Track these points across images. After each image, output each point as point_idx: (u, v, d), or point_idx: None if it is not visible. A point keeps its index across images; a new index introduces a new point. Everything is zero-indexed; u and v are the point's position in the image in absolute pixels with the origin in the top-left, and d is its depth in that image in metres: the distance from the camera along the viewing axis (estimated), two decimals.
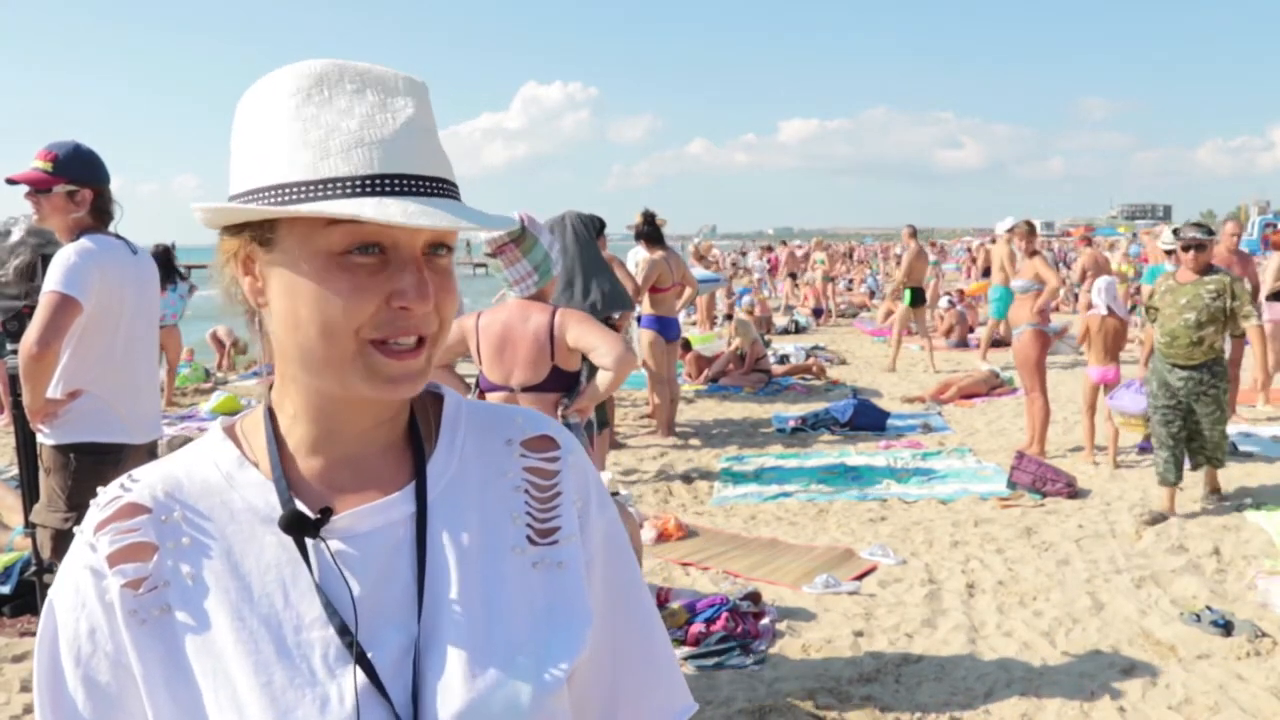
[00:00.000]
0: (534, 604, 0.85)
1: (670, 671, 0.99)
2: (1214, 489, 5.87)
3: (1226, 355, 5.83)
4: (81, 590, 0.80)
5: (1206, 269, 5.58)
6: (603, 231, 7.39)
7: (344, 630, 0.78)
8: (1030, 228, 7.94)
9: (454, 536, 0.84)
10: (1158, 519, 5.49)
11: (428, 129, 0.80)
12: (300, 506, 0.81)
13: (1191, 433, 5.60)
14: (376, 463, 0.86)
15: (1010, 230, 10.60)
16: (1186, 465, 5.66)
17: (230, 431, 0.87)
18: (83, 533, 0.82)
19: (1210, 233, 5.65)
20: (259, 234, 0.80)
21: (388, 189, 0.75)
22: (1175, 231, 5.79)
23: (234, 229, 0.81)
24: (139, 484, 0.83)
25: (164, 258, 9.98)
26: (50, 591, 0.83)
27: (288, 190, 0.76)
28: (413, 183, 0.77)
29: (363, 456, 0.86)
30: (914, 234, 12.76)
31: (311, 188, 0.75)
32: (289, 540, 0.81)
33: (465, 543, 0.85)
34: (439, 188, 0.78)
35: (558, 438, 0.93)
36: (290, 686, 0.77)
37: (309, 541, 0.81)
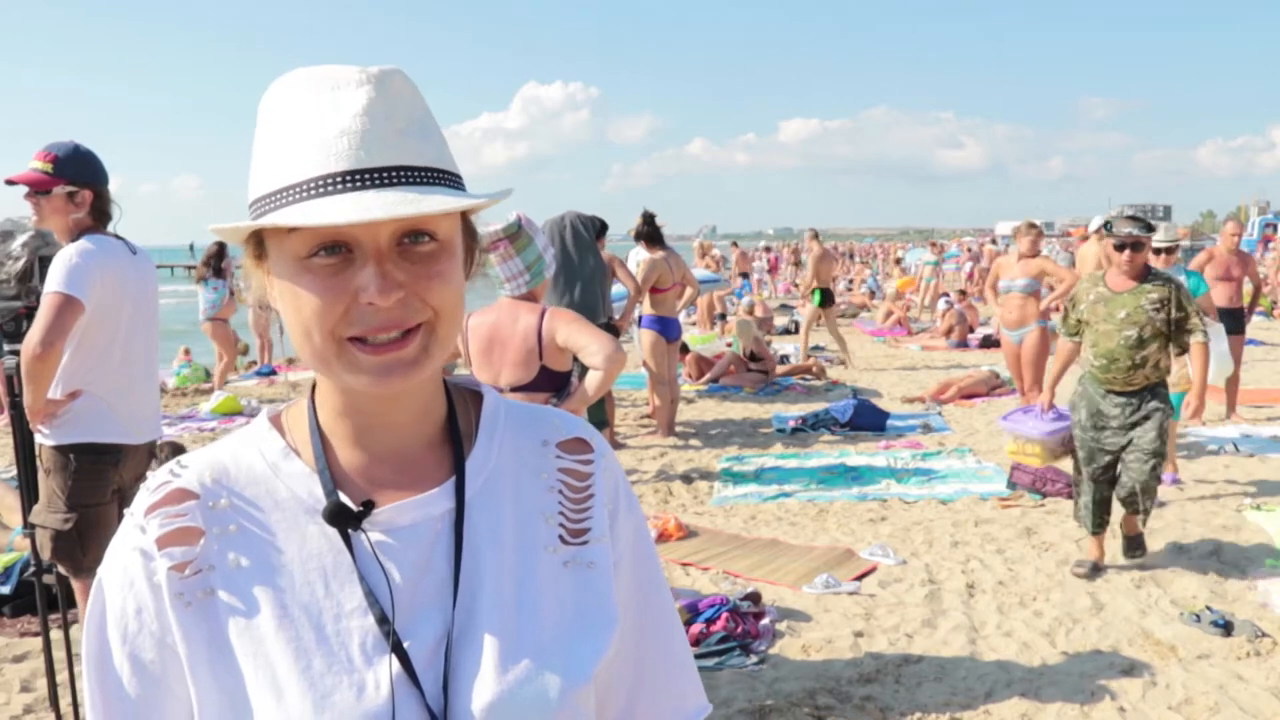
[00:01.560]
0: (564, 602, 0.87)
1: (688, 672, 1.01)
2: (1134, 542, 4.76)
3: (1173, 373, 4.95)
4: (130, 570, 0.83)
5: (1144, 273, 4.52)
6: (604, 233, 7.40)
7: (382, 619, 0.80)
8: (1037, 230, 7.75)
9: (490, 533, 0.87)
10: (1093, 570, 4.66)
11: (386, 117, 0.78)
12: (343, 499, 0.83)
13: (1122, 466, 4.57)
14: (417, 458, 0.88)
15: (1099, 230, 10.47)
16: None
17: (276, 421, 0.90)
18: (133, 515, 0.85)
19: (1150, 228, 4.53)
20: (254, 248, 0.84)
21: (335, 187, 0.76)
22: (1107, 225, 4.54)
23: (245, 242, 0.85)
24: (188, 470, 0.86)
25: (216, 257, 10.15)
26: (100, 571, 0.86)
27: (260, 204, 0.79)
28: (361, 176, 0.76)
29: (403, 452, 0.87)
30: (816, 236, 13.13)
31: (274, 199, 0.78)
32: (331, 531, 0.83)
33: (500, 539, 0.87)
34: (397, 176, 0.77)
35: (592, 441, 0.96)
36: (328, 672, 0.79)
37: (350, 533, 0.83)
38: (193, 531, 0.83)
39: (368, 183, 0.76)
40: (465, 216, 0.87)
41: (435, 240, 0.79)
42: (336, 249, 0.77)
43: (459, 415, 0.91)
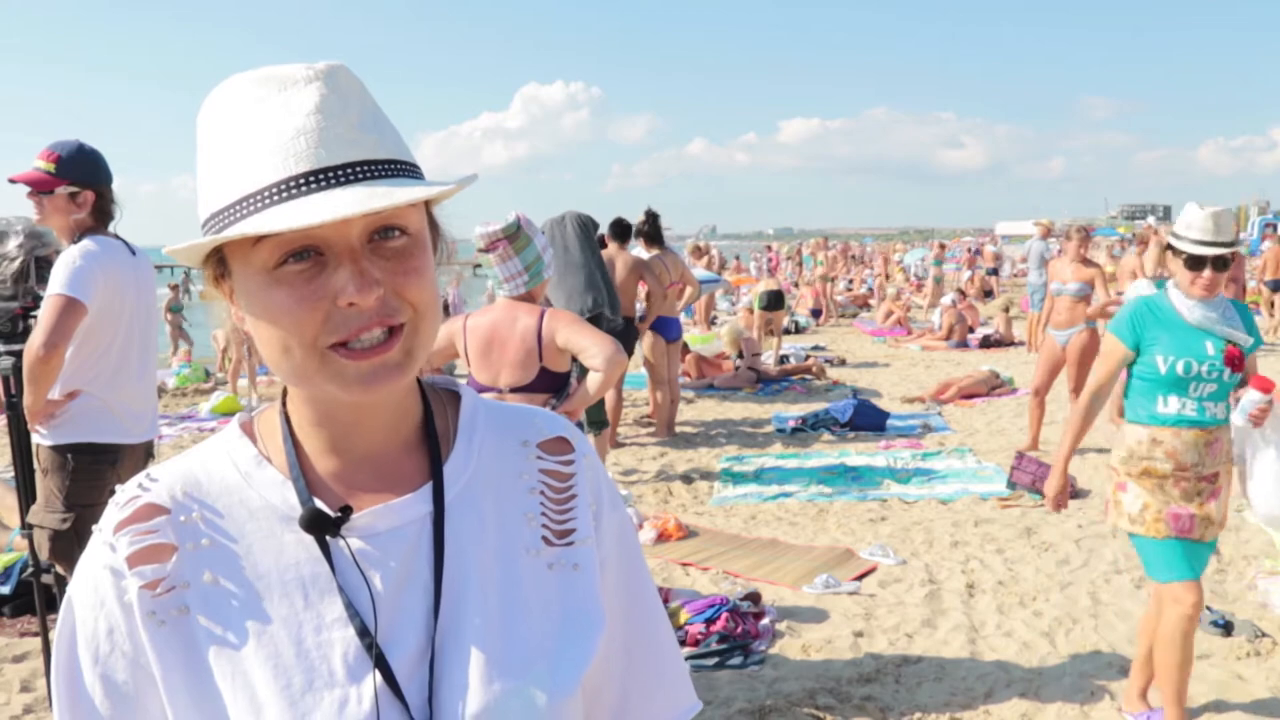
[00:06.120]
0: (549, 607, 0.85)
1: (677, 671, 0.99)
2: None
3: None
4: (100, 589, 0.80)
5: None
6: (596, 232, 7.41)
7: (364, 631, 0.78)
8: (1084, 233, 7.51)
9: (472, 537, 0.85)
10: None
11: (341, 113, 0.75)
12: (320, 505, 0.81)
13: None
14: (394, 462, 0.85)
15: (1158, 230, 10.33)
16: None
17: (247, 429, 0.87)
18: (101, 532, 0.82)
19: None
20: (216, 266, 0.80)
21: (300, 190, 0.73)
22: None
23: (204, 262, 0.80)
24: (158, 484, 0.83)
25: None
26: (69, 589, 0.83)
27: (218, 219, 0.76)
28: (325, 175, 0.73)
29: (380, 456, 0.85)
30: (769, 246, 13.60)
31: (233, 211, 0.75)
32: (308, 539, 0.80)
33: (482, 544, 0.85)
34: (361, 171, 0.74)
35: (572, 440, 0.94)
36: (309, 689, 0.77)
37: (329, 540, 0.80)
38: (164, 548, 0.80)
39: (332, 181, 0.73)
40: (429, 209, 0.84)
41: (406, 234, 0.77)
42: (306, 254, 0.74)
43: (436, 416, 0.89)
